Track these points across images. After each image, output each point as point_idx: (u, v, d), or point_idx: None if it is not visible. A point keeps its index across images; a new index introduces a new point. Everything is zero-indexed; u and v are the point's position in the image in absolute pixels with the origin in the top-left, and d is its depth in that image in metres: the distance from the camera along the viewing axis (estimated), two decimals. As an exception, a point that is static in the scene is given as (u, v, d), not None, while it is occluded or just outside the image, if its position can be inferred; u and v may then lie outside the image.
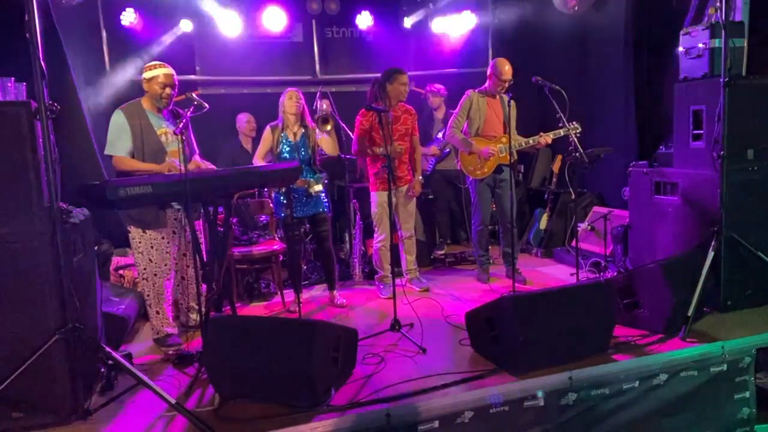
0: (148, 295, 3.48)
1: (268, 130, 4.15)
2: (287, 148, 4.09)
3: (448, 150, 5.56)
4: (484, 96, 4.60)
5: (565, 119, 4.24)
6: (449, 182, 5.73)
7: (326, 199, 4.25)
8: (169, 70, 3.44)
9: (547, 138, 4.48)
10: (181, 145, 2.98)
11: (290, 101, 4.08)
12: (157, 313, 3.49)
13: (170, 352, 3.38)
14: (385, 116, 4.11)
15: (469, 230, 5.02)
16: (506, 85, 4.46)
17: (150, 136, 3.40)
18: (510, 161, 4.43)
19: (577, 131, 4.30)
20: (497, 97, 4.60)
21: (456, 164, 4.97)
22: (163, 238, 3.42)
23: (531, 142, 4.53)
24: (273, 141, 4.10)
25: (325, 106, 4.20)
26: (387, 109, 4.21)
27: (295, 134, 4.13)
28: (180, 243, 3.54)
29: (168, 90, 3.41)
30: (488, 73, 4.57)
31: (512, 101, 4.42)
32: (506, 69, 4.44)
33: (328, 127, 4.06)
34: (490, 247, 4.99)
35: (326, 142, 4.14)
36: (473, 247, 4.94)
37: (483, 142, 4.59)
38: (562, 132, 4.40)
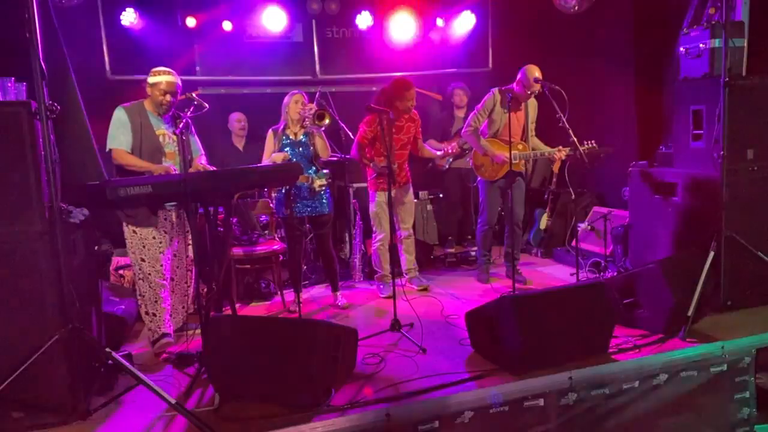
0: (142, 296, 3.48)
1: (270, 134, 4.17)
2: (288, 145, 4.12)
3: (466, 149, 5.51)
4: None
5: (564, 119, 4.22)
6: (461, 181, 5.74)
7: (329, 199, 4.25)
8: (173, 78, 3.45)
9: (561, 153, 4.42)
10: (179, 147, 2.98)
11: (296, 106, 4.10)
12: (155, 315, 3.48)
13: (164, 356, 3.37)
14: (388, 124, 4.11)
15: (474, 229, 5.02)
16: (531, 96, 4.40)
17: (149, 135, 3.42)
18: (524, 169, 4.38)
19: (592, 148, 4.25)
20: (521, 101, 4.51)
21: (468, 162, 4.92)
22: (154, 238, 3.42)
23: (547, 154, 4.50)
24: (275, 143, 4.13)
25: (311, 109, 4.13)
26: (388, 111, 4.20)
27: (296, 134, 4.15)
28: (171, 245, 3.54)
29: (168, 97, 3.43)
30: (517, 77, 4.41)
31: (534, 103, 4.39)
32: (536, 76, 4.28)
33: (326, 121, 4.01)
34: (492, 248, 4.98)
35: (319, 144, 4.14)
36: (477, 247, 4.93)
37: (498, 145, 4.52)
38: (577, 148, 4.27)
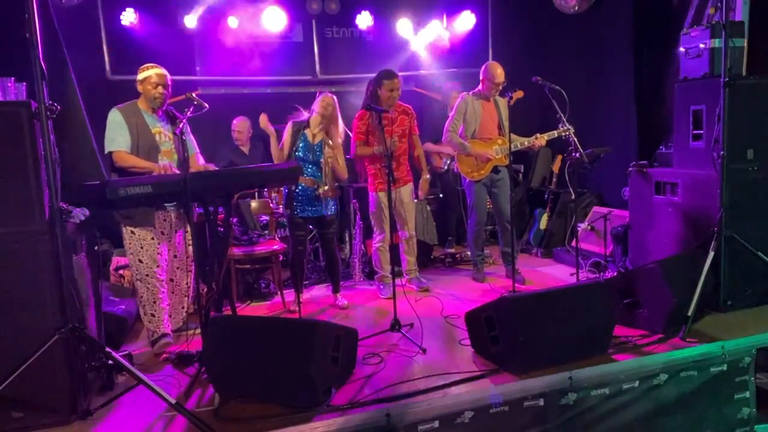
0: (141, 297, 3.49)
1: (290, 126, 4.16)
2: (302, 146, 4.11)
3: None
4: (478, 99, 4.63)
5: (565, 119, 4.24)
6: (460, 181, 5.78)
7: (334, 203, 4.26)
8: (161, 70, 3.46)
9: (541, 140, 4.53)
10: (177, 145, 2.98)
11: (331, 102, 4.07)
12: (153, 315, 3.49)
13: (164, 356, 3.37)
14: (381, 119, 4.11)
15: (466, 230, 5.04)
16: (499, 88, 4.51)
17: (145, 134, 3.43)
18: (508, 163, 4.43)
19: (569, 133, 4.31)
20: (491, 99, 4.63)
21: (454, 166, 4.99)
22: (152, 238, 3.43)
23: (526, 143, 4.57)
24: (293, 136, 4.11)
25: (330, 157, 4.08)
26: (386, 109, 4.21)
27: (314, 136, 4.14)
28: (170, 245, 3.55)
29: (160, 89, 3.43)
30: (481, 77, 4.60)
31: (504, 100, 4.44)
32: (498, 72, 4.48)
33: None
34: (489, 248, 4.99)
35: (339, 166, 4.16)
36: (469, 247, 4.96)
37: (479, 144, 4.62)
38: (555, 134, 4.45)
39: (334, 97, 4.15)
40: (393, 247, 4.22)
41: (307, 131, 4.14)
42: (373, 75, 4.44)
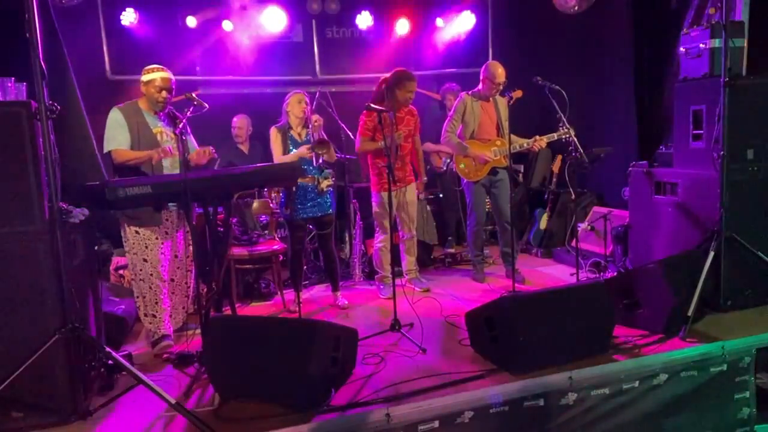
0: (142, 297, 3.48)
1: (274, 131, 4.16)
2: (293, 148, 4.12)
3: None
4: (477, 99, 4.62)
5: (565, 119, 4.24)
6: (459, 182, 5.78)
7: (332, 199, 4.26)
8: (167, 74, 3.45)
9: (541, 142, 4.52)
10: (178, 145, 2.98)
11: (299, 105, 4.10)
12: (154, 316, 3.48)
13: (164, 356, 3.38)
14: (386, 116, 4.12)
15: (466, 231, 5.05)
16: (500, 87, 4.49)
17: (146, 134, 3.42)
18: (509, 164, 4.43)
19: (569, 135, 4.31)
20: (490, 100, 4.62)
21: (452, 166, 4.99)
22: (157, 238, 3.43)
23: (525, 145, 4.56)
24: (282, 141, 4.13)
25: (316, 121, 4.15)
26: (388, 110, 4.21)
27: (300, 134, 4.16)
28: (172, 245, 3.54)
29: (164, 93, 3.43)
30: (481, 76, 4.59)
31: (504, 100, 4.44)
32: (499, 72, 4.47)
33: (325, 151, 4.04)
34: (489, 248, 4.99)
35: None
36: (469, 248, 4.96)
37: (478, 145, 4.62)
38: (555, 136, 4.44)
39: (304, 93, 4.17)
40: (393, 248, 4.22)
41: (291, 132, 4.15)
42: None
